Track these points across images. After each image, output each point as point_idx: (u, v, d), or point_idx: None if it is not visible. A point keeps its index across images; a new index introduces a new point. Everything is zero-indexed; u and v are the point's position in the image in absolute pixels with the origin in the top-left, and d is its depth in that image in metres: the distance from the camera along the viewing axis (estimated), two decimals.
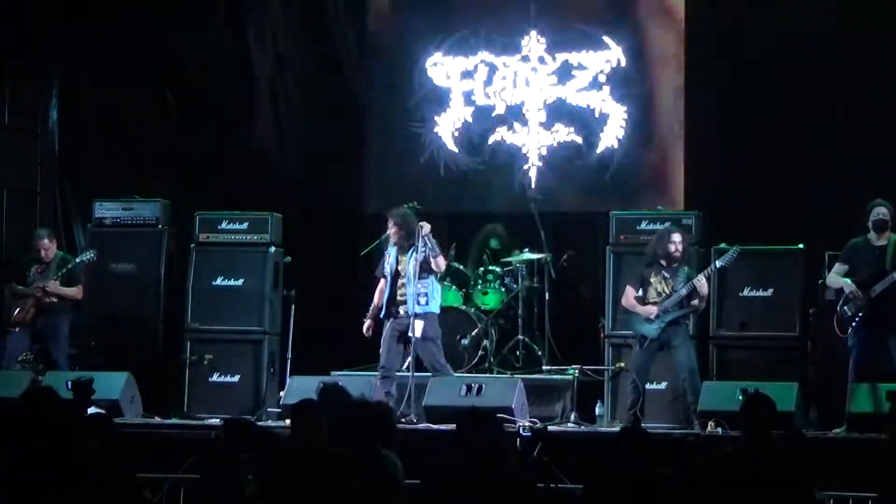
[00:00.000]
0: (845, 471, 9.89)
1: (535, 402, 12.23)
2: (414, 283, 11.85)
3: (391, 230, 12.04)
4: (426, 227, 11.95)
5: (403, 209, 12.20)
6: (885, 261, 11.46)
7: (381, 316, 12.03)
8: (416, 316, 11.82)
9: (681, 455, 7.32)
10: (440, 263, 11.97)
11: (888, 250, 11.49)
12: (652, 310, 11.79)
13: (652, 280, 11.89)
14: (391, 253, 12.07)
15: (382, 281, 12.11)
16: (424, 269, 11.89)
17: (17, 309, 12.74)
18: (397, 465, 7.39)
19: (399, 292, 11.99)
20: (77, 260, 12.99)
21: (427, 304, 11.94)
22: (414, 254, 11.87)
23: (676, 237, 11.97)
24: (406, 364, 12.04)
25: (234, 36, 15.04)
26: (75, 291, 12.90)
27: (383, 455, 7.33)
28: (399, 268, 12.00)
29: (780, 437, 7.88)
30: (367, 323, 12.17)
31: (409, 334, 11.84)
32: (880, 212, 11.53)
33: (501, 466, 6.90)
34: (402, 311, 11.95)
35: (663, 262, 11.92)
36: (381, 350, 12.01)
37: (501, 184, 14.42)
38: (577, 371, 12.74)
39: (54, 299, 12.77)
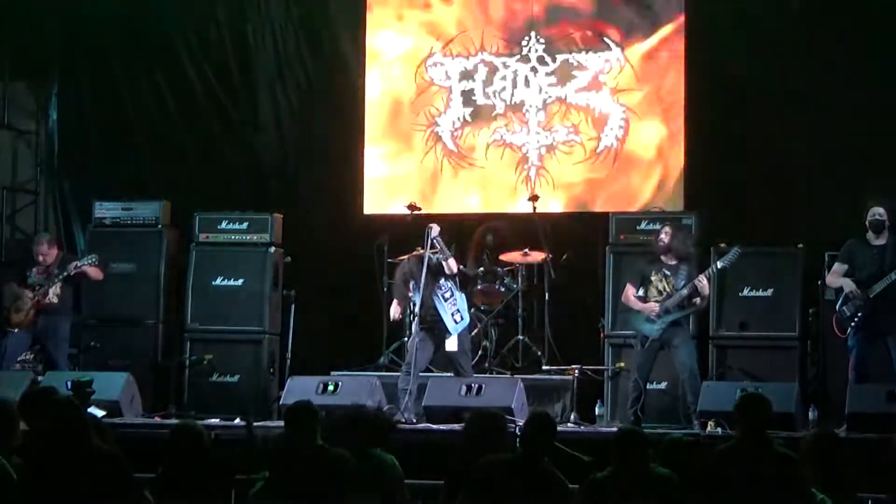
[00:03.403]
0: (845, 471, 9.85)
1: (535, 402, 12.22)
2: (444, 306, 11.87)
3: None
4: (435, 229, 11.91)
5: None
6: (883, 260, 11.47)
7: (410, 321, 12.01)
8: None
9: (680, 455, 7.30)
10: (452, 265, 11.91)
11: (887, 250, 11.50)
12: (654, 307, 11.78)
13: (653, 278, 11.89)
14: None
15: (397, 301, 12.14)
16: (440, 275, 11.86)
17: (17, 311, 12.72)
18: (394, 465, 7.38)
19: (429, 315, 11.95)
20: (78, 264, 12.93)
21: (462, 318, 11.97)
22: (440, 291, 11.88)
23: (666, 229, 12.01)
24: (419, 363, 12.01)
25: (234, 36, 15.05)
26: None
27: (376, 456, 7.32)
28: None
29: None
30: (395, 308, 12.19)
31: (447, 349, 11.92)
32: (877, 212, 11.55)
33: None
34: (435, 328, 11.96)
35: (663, 260, 11.93)
36: (410, 349, 11.94)
37: (501, 184, 14.40)
38: (577, 371, 12.74)
39: (54, 300, 12.75)
